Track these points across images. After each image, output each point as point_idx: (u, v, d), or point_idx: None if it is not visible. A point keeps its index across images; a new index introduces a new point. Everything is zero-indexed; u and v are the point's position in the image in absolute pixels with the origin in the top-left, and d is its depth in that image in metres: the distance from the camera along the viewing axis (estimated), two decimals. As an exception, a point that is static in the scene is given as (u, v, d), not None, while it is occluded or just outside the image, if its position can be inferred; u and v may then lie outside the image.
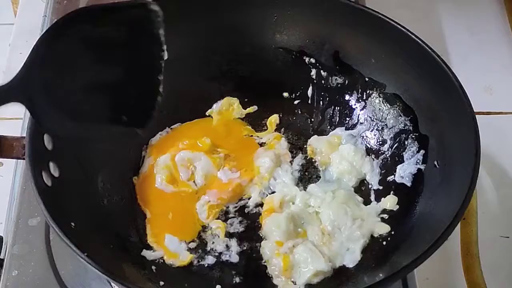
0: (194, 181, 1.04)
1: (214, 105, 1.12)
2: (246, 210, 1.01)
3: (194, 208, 1.00)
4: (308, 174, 1.06)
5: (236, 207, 1.02)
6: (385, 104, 1.06)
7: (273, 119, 1.11)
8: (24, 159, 0.85)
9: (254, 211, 1.01)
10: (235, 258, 0.96)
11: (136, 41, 0.77)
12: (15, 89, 0.70)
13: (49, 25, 1.31)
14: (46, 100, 0.72)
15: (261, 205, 1.01)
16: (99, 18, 0.75)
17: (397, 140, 1.03)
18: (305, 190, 1.02)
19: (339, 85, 1.10)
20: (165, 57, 0.79)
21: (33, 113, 0.74)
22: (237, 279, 0.94)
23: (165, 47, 0.78)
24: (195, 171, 1.04)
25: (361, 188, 1.03)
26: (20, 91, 0.70)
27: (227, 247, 0.97)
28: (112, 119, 0.79)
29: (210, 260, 0.95)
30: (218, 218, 1.00)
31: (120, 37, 0.76)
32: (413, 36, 0.98)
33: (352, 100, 1.09)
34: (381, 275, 0.85)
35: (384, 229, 0.96)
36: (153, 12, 0.77)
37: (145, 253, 0.95)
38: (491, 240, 1.11)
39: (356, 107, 1.09)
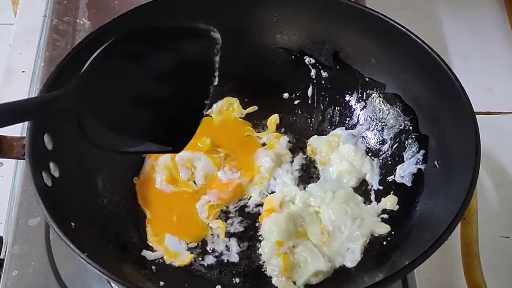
0: (194, 181, 1.04)
1: (214, 105, 1.12)
2: (246, 210, 1.01)
3: (195, 208, 1.00)
4: (308, 174, 1.06)
5: (236, 207, 1.02)
6: (385, 104, 1.06)
7: (273, 119, 1.11)
8: (24, 159, 0.84)
9: (254, 211, 1.01)
10: (235, 258, 0.96)
11: (189, 64, 0.77)
12: (66, 99, 0.71)
13: (49, 25, 1.31)
14: (92, 112, 0.72)
15: (261, 205, 1.01)
16: (157, 39, 0.76)
17: (397, 140, 1.04)
18: (305, 190, 1.02)
19: (339, 85, 1.10)
20: (215, 83, 0.77)
21: (78, 125, 0.73)
22: (237, 279, 0.94)
23: (216, 73, 0.77)
24: (195, 171, 1.04)
25: (361, 188, 1.03)
26: (71, 103, 0.71)
27: (227, 247, 0.97)
28: (151, 136, 0.78)
29: (210, 260, 0.95)
30: (218, 218, 1.00)
31: (174, 58, 0.76)
32: (413, 36, 0.98)
33: (352, 100, 1.09)
34: (381, 275, 0.85)
35: (384, 229, 0.96)
36: (213, 40, 0.76)
37: (145, 253, 0.95)
38: (491, 240, 1.11)
39: (356, 107, 1.09)
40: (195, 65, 0.77)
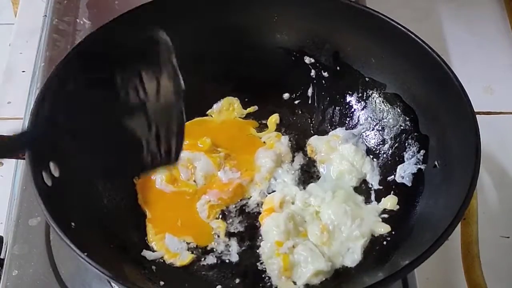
0: (194, 181, 1.04)
1: (215, 105, 1.12)
2: (246, 210, 1.01)
3: (195, 208, 1.00)
4: (308, 174, 1.06)
5: (236, 206, 1.02)
6: (385, 104, 1.06)
7: (274, 119, 1.11)
8: (24, 159, 0.84)
9: (255, 211, 1.01)
10: (235, 258, 0.96)
11: (149, 71, 0.74)
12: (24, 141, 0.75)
13: (49, 25, 1.31)
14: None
15: (262, 204, 1.01)
16: (102, 57, 0.74)
17: (398, 140, 1.03)
18: (305, 189, 1.02)
19: (339, 85, 1.10)
20: (183, 87, 0.76)
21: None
22: (237, 279, 0.93)
23: (180, 76, 0.75)
24: (195, 171, 1.04)
25: (361, 188, 1.03)
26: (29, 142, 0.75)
27: (227, 247, 0.97)
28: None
29: (210, 260, 0.95)
30: (218, 218, 1.00)
31: (125, 71, 0.73)
32: (413, 36, 0.98)
33: (352, 100, 1.09)
34: (381, 275, 0.85)
35: (384, 229, 0.96)
36: (163, 43, 0.73)
37: (145, 253, 0.95)
38: (491, 240, 1.11)
39: (357, 107, 1.09)
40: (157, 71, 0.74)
